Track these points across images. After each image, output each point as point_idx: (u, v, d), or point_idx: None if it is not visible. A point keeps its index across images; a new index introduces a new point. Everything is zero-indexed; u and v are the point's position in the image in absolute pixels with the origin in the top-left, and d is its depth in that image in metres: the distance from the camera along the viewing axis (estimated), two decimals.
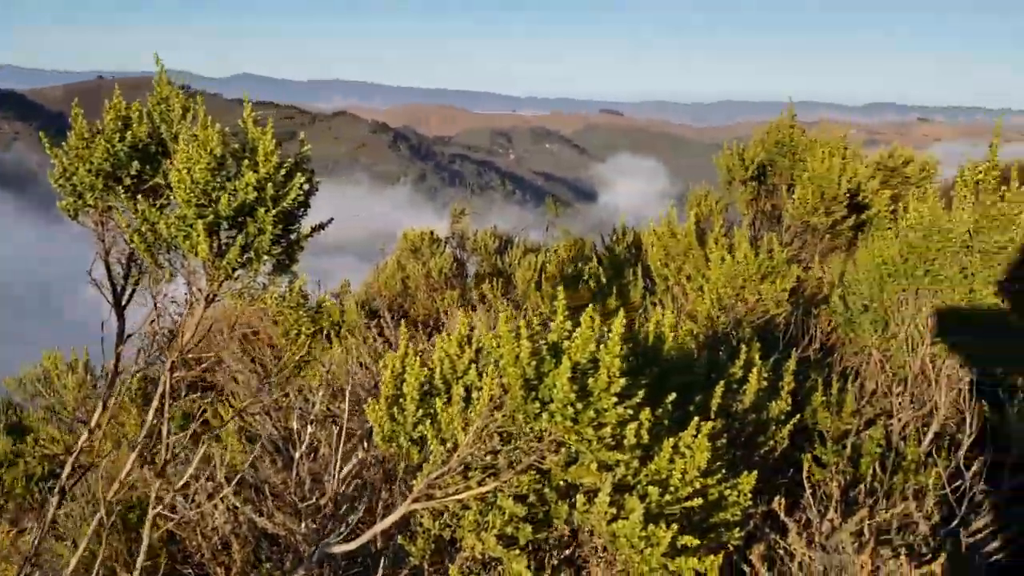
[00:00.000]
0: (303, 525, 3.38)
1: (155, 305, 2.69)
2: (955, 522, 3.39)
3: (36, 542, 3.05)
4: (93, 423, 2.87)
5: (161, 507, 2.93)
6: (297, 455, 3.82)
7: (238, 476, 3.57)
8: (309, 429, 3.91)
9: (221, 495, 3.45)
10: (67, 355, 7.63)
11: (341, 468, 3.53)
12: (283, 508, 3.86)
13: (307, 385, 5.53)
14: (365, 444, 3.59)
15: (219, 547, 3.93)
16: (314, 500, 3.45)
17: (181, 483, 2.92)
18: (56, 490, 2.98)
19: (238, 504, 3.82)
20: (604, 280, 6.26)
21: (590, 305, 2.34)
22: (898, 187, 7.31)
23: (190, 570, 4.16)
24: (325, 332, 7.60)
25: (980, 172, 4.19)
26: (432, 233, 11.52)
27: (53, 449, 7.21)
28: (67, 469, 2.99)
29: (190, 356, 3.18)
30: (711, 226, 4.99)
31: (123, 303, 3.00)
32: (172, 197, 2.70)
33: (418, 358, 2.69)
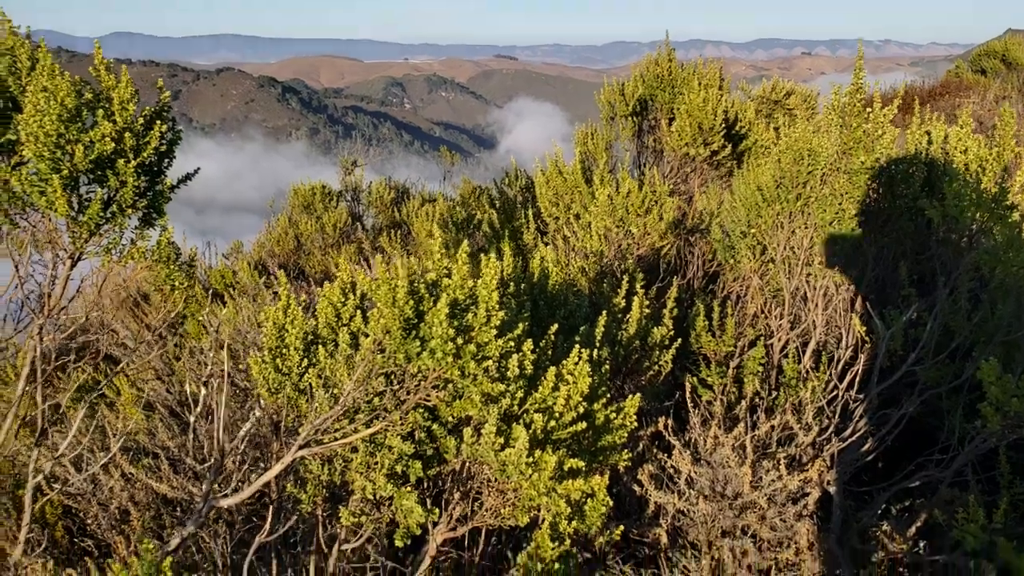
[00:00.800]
0: (204, 486, 3.34)
1: (16, 267, 2.57)
2: (830, 430, 3.59)
3: None
4: None
5: (42, 477, 2.83)
6: (192, 418, 3.75)
7: (123, 441, 3.48)
8: (203, 391, 3.84)
9: (107, 460, 3.37)
10: None
11: (239, 427, 3.48)
12: (184, 471, 3.79)
13: (198, 347, 5.41)
14: (262, 401, 3.55)
15: (117, 516, 3.85)
16: (213, 461, 3.40)
17: (60, 451, 2.83)
18: None
19: (133, 471, 3.73)
20: (498, 224, 6.29)
21: (464, 243, 2.35)
22: (780, 119, 7.54)
23: (90, 542, 4.05)
24: (215, 293, 7.42)
25: (845, 96, 4.35)
26: (324, 187, 11.24)
27: None
28: None
29: (65, 319, 3.06)
30: (596, 163, 5.06)
31: None
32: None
33: (299, 308, 2.66)
